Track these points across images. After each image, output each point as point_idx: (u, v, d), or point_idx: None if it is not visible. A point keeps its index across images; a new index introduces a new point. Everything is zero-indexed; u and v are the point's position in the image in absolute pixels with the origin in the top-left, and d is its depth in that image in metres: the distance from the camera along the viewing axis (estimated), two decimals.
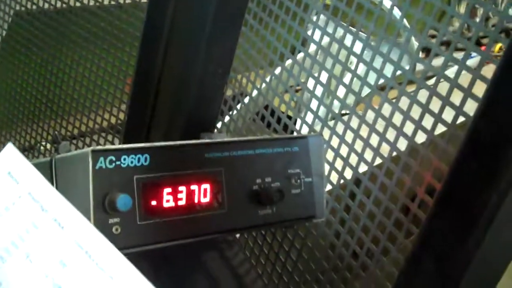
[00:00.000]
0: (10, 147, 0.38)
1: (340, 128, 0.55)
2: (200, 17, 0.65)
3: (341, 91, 0.56)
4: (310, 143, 0.54)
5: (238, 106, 0.74)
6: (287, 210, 0.52)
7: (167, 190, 0.46)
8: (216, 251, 0.67)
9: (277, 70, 0.68)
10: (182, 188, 0.47)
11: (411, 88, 0.49)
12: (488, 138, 0.35)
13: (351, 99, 0.57)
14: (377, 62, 0.52)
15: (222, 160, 0.49)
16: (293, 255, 0.60)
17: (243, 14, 0.66)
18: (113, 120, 0.84)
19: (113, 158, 0.43)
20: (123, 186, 0.43)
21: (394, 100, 0.49)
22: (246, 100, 0.74)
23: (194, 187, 0.47)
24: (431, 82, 0.46)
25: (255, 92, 0.73)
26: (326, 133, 0.57)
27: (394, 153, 0.48)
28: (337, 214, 0.54)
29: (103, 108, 0.84)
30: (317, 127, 0.61)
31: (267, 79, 0.69)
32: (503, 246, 0.38)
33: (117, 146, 0.43)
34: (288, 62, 0.66)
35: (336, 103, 0.57)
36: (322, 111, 0.60)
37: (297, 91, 0.79)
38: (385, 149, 0.49)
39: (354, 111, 0.54)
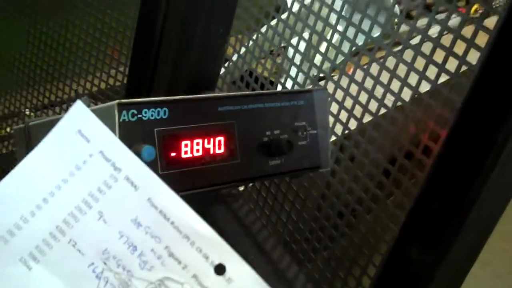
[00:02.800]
0: (79, 105, 0.38)
1: (343, 81, 0.58)
2: None
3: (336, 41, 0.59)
4: (315, 96, 0.56)
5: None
6: (294, 160, 0.55)
7: (185, 141, 0.48)
8: (222, 205, 0.70)
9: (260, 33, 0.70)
10: (199, 140, 0.49)
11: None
12: (496, 82, 0.38)
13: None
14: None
15: (234, 113, 0.51)
16: (298, 204, 0.63)
17: None
18: (102, 85, 0.85)
19: (135, 111, 0.45)
20: (145, 138, 0.45)
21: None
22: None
23: (209, 139, 0.50)
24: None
25: (235, 57, 0.74)
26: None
27: (399, 103, 0.51)
28: (341, 163, 0.57)
29: (92, 73, 0.84)
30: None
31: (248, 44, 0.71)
32: (505, 185, 0.41)
33: (139, 99, 0.45)
34: (273, 22, 0.68)
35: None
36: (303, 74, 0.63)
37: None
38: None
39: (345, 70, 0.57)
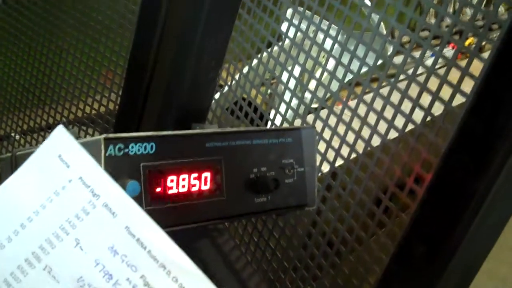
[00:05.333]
0: (60, 130, 0.38)
1: (331, 120, 0.58)
2: (195, 9, 0.67)
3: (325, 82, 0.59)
4: (302, 134, 0.56)
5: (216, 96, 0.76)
6: (281, 198, 0.55)
7: (171, 177, 0.48)
8: (207, 239, 0.69)
9: (254, 62, 0.70)
10: (185, 175, 0.49)
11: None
12: (478, 132, 0.39)
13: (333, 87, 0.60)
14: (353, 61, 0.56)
15: (221, 149, 0.51)
16: (283, 241, 0.62)
17: (238, 7, 0.68)
18: (92, 111, 0.85)
19: (122, 146, 0.45)
20: (130, 173, 0.45)
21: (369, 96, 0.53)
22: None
23: (195, 174, 0.49)
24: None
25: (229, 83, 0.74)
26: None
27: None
28: (327, 202, 0.57)
29: (77, 96, 0.85)
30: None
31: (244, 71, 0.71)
32: (487, 232, 0.42)
33: (126, 134, 0.45)
34: (276, 48, 0.68)
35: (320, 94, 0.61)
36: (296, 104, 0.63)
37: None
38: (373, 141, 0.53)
39: (340, 102, 0.57)
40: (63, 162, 0.38)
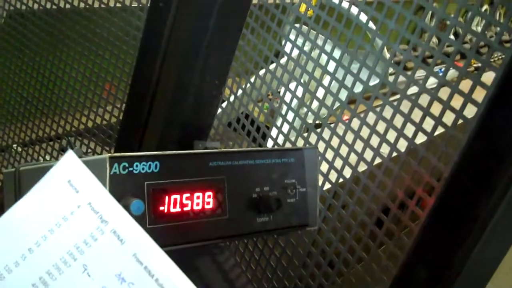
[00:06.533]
0: (70, 155, 0.38)
1: (334, 141, 0.59)
2: (199, 28, 0.68)
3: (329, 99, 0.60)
4: (305, 155, 0.57)
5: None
6: (283, 218, 0.55)
7: (175, 196, 0.48)
8: (208, 256, 0.69)
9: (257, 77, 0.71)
10: (188, 194, 0.49)
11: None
12: (481, 158, 0.39)
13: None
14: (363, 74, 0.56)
15: (224, 168, 0.52)
16: (284, 261, 0.63)
17: (242, 27, 0.69)
18: (90, 123, 0.85)
19: (126, 165, 0.45)
20: (134, 191, 0.45)
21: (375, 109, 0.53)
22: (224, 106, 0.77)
23: (199, 193, 0.50)
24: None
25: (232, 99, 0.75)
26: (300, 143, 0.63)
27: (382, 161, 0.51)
28: (329, 223, 0.57)
29: (80, 111, 0.85)
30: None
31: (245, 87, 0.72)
32: (489, 257, 0.42)
33: (131, 153, 0.45)
34: (272, 66, 0.69)
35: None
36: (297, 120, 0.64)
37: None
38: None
39: (341, 119, 0.58)
40: (72, 187, 0.38)
